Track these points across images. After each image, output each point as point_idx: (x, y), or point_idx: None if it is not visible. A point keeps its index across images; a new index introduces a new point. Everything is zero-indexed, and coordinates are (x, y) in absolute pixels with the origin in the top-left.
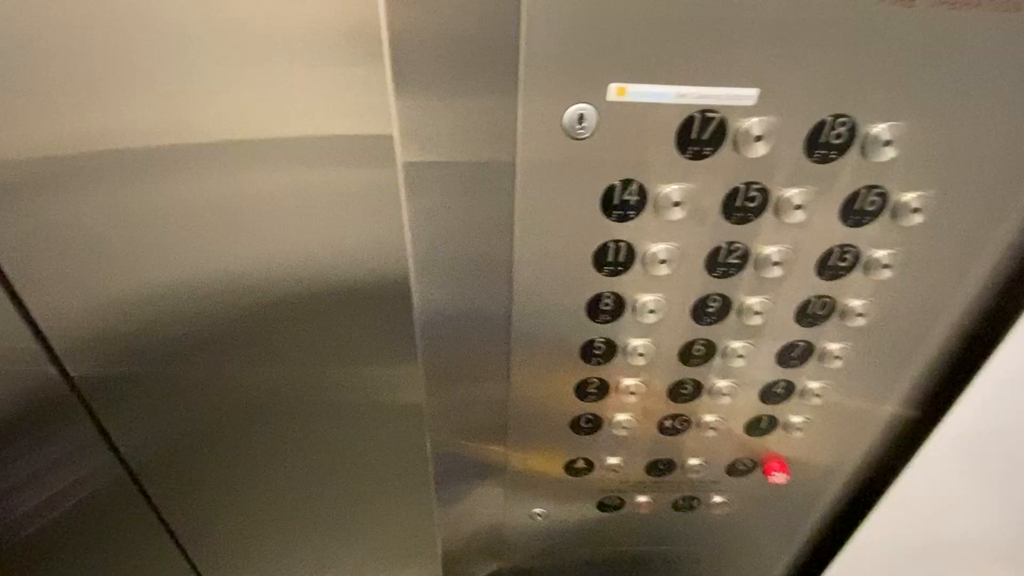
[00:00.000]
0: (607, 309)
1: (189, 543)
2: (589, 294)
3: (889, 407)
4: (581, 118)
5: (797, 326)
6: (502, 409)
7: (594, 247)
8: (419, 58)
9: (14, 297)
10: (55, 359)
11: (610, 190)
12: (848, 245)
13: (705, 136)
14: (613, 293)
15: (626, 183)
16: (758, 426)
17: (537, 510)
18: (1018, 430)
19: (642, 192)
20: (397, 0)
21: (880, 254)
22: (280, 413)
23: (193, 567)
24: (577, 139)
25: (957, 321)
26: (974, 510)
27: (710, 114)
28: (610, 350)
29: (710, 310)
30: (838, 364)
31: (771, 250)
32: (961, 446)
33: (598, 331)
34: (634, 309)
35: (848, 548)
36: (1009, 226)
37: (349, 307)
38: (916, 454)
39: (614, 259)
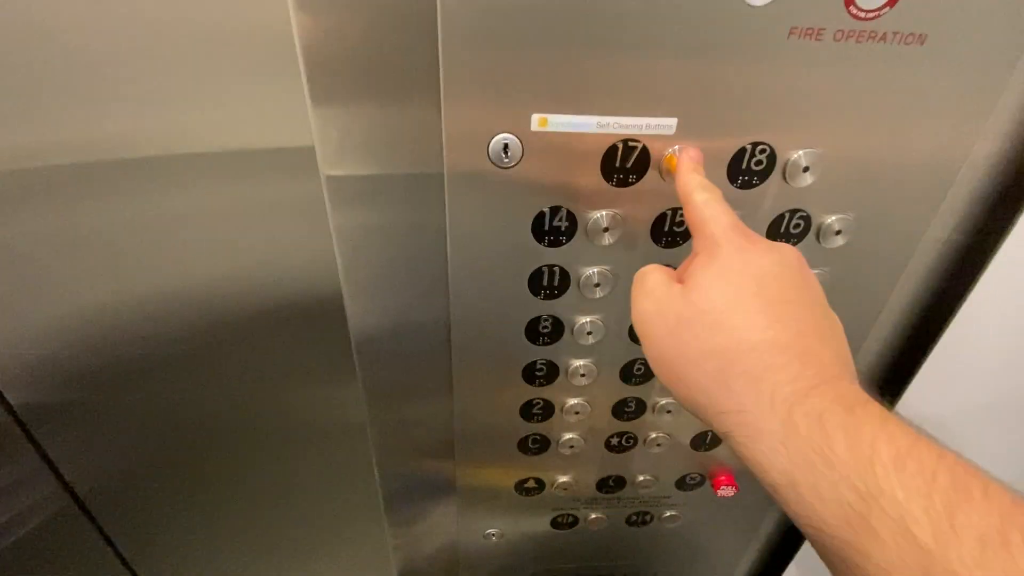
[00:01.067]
0: (546, 332)
1: (143, 570)
2: (527, 316)
3: None
4: (506, 148)
5: None
6: (448, 428)
7: (529, 271)
8: (337, 71)
9: None
10: None
11: (540, 216)
12: None
13: (629, 164)
14: (551, 316)
15: (555, 210)
16: (704, 441)
17: (491, 531)
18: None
19: (572, 218)
20: (307, 14)
21: None
22: (229, 437)
23: None
24: (503, 168)
25: (886, 333)
26: None
27: (632, 143)
28: (552, 371)
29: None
30: None
31: None
32: None
33: (539, 353)
34: (572, 331)
35: (804, 551)
36: (928, 241)
37: (292, 326)
38: None
39: (549, 283)
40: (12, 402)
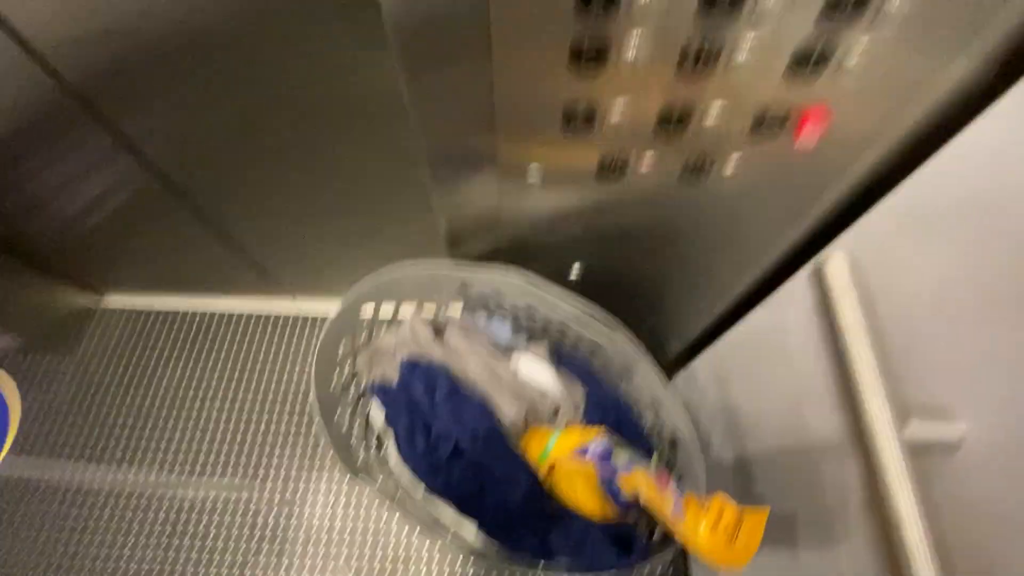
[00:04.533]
0: None
1: (231, 227)
2: None
3: (961, 65)
4: None
5: None
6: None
7: None
8: None
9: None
10: (46, 66)
11: None
12: None
13: None
14: None
15: None
16: (805, 61)
17: (533, 170)
18: None
19: None
20: None
21: None
22: (285, 111)
23: (243, 251)
24: None
25: None
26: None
27: None
28: None
29: None
30: (880, 31)
31: None
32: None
33: None
34: None
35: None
36: None
37: None
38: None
39: None
40: (72, 83)
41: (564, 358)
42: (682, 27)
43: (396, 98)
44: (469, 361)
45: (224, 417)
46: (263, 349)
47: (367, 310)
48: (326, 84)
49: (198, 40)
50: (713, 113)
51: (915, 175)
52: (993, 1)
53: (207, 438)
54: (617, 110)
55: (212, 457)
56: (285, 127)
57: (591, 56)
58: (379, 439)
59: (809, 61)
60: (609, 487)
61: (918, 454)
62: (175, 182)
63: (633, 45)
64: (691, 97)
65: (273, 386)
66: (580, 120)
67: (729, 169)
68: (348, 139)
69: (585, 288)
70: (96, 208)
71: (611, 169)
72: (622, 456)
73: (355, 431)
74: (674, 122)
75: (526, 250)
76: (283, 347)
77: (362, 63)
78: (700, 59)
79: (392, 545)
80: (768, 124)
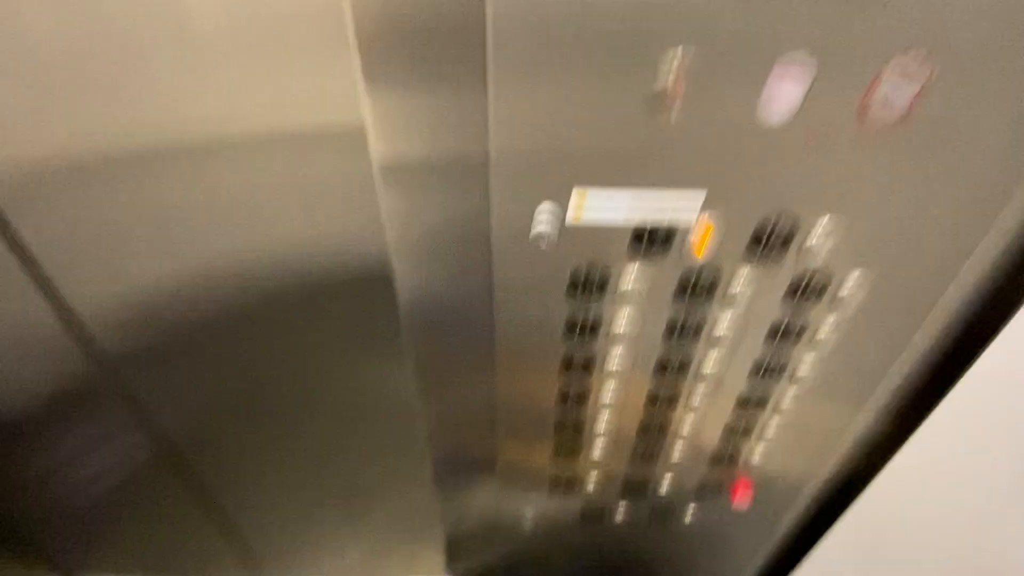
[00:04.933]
0: (577, 368)
1: (230, 509)
2: (561, 353)
3: (859, 420)
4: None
5: (749, 378)
6: (493, 418)
7: (563, 319)
8: (390, 54)
9: (47, 289)
10: (89, 344)
11: (576, 274)
12: (791, 322)
13: (657, 236)
14: (584, 356)
15: (589, 271)
16: (721, 459)
17: (527, 515)
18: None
19: (604, 277)
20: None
21: (825, 321)
22: (293, 399)
23: (234, 533)
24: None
25: (908, 370)
26: (940, 518)
27: (661, 220)
28: (583, 396)
29: (667, 368)
30: (786, 410)
31: (723, 321)
32: (929, 460)
33: (569, 379)
34: (601, 379)
35: (817, 548)
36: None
37: (345, 306)
38: (882, 468)
39: (582, 330)
40: (105, 358)
41: None
42: (630, 440)
43: (406, 407)
44: None
45: None
46: None
47: None
48: (339, 385)
49: (225, 328)
50: (664, 484)
51: (835, 527)
52: (875, 373)
53: None
54: (591, 481)
55: None
56: (295, 417)
57: (568, 453)
58: None
59: (723, 459)
60: None
61: None
62: (179, 459)
63: (598, 448)
64: (646, 474)
65: None
66: (563, 487)
67: (688, 518)
68: (354, 439)
69: None
70: (91, 486)
71: (591, 519)
72: None
73: None
74: (637, 489)
75: (521, 568)
76: None
77: (374, 372)
78: (645, 456)
79: None
80: (708, 492)
